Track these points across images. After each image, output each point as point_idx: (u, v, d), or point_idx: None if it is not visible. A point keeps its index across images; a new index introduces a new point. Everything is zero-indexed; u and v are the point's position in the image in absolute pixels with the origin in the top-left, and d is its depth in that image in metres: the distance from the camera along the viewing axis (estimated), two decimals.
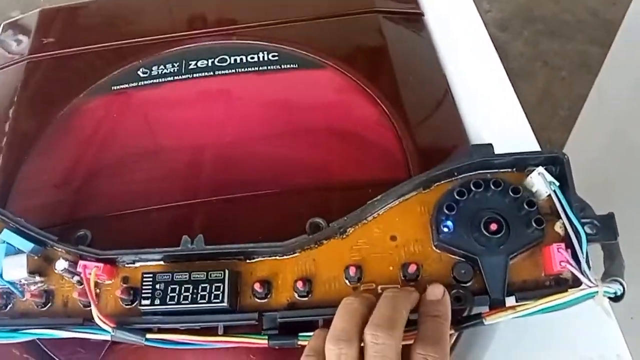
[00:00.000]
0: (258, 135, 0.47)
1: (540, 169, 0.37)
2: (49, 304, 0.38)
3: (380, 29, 0.53)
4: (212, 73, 0.52)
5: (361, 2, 0.56)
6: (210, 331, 0.36)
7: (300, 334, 0.35)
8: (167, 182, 0.44)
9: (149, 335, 0.35)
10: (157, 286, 0.35)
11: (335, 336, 0.32)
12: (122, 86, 0.52)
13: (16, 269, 0.37)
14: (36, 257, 0.38)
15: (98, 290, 0.38)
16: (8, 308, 0.38)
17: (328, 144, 0.46)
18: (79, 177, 0.46)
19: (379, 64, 0.51)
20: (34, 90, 0.53)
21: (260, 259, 0.38)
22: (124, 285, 0.37)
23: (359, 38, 0.54)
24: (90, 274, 0.36)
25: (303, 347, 0.35)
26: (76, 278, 0.38)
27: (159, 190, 0.44)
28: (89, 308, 0.37)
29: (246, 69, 0.52)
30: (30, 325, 0.36)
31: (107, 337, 0.35)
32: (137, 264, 0.38)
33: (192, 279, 0.35)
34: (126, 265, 0.38)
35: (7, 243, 0.38)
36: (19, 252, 0.38)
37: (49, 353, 0.39)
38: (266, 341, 0.35)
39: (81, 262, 0.37)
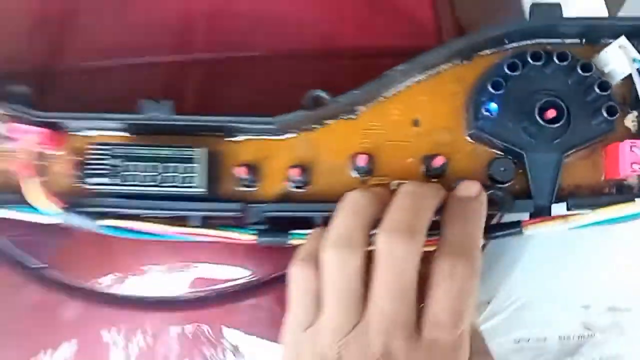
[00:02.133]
0: None
1: (622, 39, 0.28)
2: None
3: None
4: None
5: None
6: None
7: (293, 231, 0.29)
8: (142, 33, 0.35)
9: (103, 222, 0.28)
10: (109, 161, 0.27)
11: (336, 240, 0.25)
12: None
13: None
14: None
15: (43, 164, 0.30)
16: None
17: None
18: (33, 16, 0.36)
19: None
20: None
21: (246, 137, 0.30)
22: (75, 157, 0.29)
23: None
24: (26, 139, 0.28)
25: (295, 247, 0.28)
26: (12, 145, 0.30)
27: (130, 43, 0.34)
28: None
29: None
30: None
31: (57, 221, 0.28)
32: (92, 132, 0.30)
33: (159, 154, 0.27)
34: (77, 133, 0.30)
35: None
36: None
37: None
38: (254, 237, 0.29)
39: (15, 125, 0.29)
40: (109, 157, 0.27)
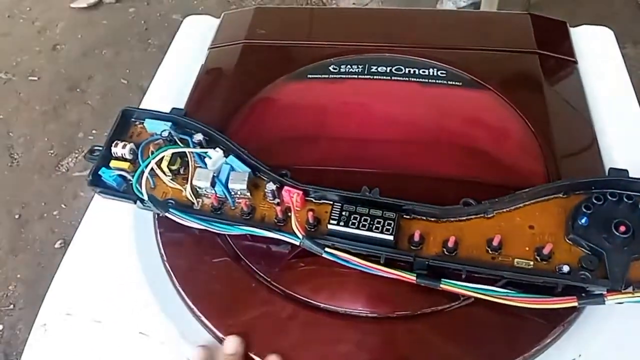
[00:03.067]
0: (424, 130, 0.57)
1: None
2: (250, 216, 0.49)
3: (538, 67, 0.62)
4: (388, 78, 0.63)
5: (524, 42, 0.65)
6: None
7: (444, 279, 0.44)
8: (350, 152, 0.55)
9: (327, 249, 0.45)
10: (343, 213, 0.46)
11: None
12: (316, 76, 0.64)
13: (239, 182, 0.49)
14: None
15: (289, 214, 0.49)
16: (220, 212, 0.50)
17: (484, 148, 0.55)
18: (282, 135, 0.58)
19: (533, 95, 0.60)
20: (247, 66, 0.67)
21: (417, 218, 0.47)
22: (311, 213, 0.48)
23: (518, 71, 0.63)
24: (293, 196, 0.47)
25: (444, 290, 0.44)
26: (276, 201, 0.49)
27: (342, 157, 0.55)
28: (280, 224, 0.48)
29: (417, 80, 0.62)
30: (241, 224, 0.47)
31: (297, 242, 0.46)
32: (321, 201, 0.49)
33: (370, 213, 0.45)
34: (313, 200, 0.49)
35: (230, 165, 0.50)
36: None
37: (241, 256, 0.50)
38: (415, 278, 0.44)
39: (286, 188, 0.48)
40: (344, 210, 0.46)
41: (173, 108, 0.55)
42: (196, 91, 0.65)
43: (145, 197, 0.48)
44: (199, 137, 0.52)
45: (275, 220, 0.48)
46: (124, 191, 0.51)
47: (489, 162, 0.54)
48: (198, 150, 0.51)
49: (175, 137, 0.53)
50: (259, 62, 0.68)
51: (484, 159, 0.54)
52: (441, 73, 0.62)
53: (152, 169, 0.49)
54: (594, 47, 0.66)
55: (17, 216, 1.58)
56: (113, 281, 0.51)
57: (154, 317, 0.48)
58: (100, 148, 0.53)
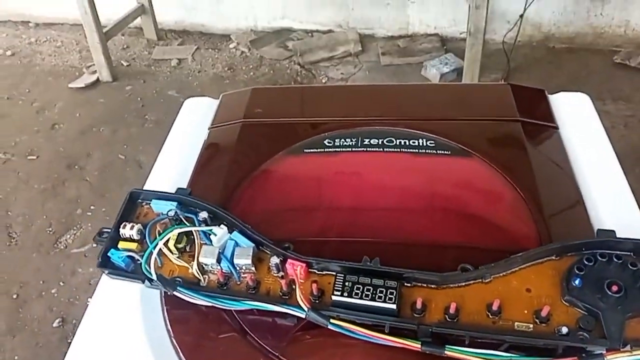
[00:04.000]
0: (418, 199, 0.60)
1: None
2: (256, 290, 0.51)
3: (522, 133, 0.66)
4: (381, 150, 0.66)
5: (506, 111, 0.70)
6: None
7: (448, 346, 0.45)
8: (349, 222, 0.58)
9: (332, 321, 0.46)
10: (346, 283, 0.47)
11: None
12: (311, 150, 0.68)
13: (243, 257, 0.51)
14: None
15: (294, 286, 0.50)
16: (226, 287, 0.51)
17: (476, 213, 0.57)
18: (283, 208, 0.61)
19: (519, 160, 0.63)
20: (246, 143, 0.71)
21: (418, 285, 0.49)
22: (315, 285, 0.49)
23: (502, 138, 0.67)
24: (297, 268, 0.49)
25: (449, 357, 0.45)
26: (280, 274, 0.51)
27: (341, 227, 0.57)
28: (285, 297, 0.50)
29: (408, 150, 0.65)
30: (248, 300, 0.49)
31: (302, 315, 0.47)
32: (324, 272, 0.51)
33: (372, 283, 0.47)
34: (317, 272, 0.51)
35: (235, 241, 0.53)
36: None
37: (248, 330, 0.51)
38: (419, 346, 0.45)
39: (290, 261, 0.50)
40: (346, 281, 0.47)
41: (178, 188, 0.57)
42: (199, 170, 0.68)
43: (154, 277, 0.49)
44: (203, 215, 0.54)
45: (280, 294, 0.50)
46: (132, 271, 0.53)
47: (482, 227, 0.56)
48: (203, 228, 0.53)
49: (181, 216, 0.55)
50: (257, 139, 0.71)
51: (478, 225, 0.57)
52: (430, 143, 0.66)
53: (159, 248, 0.51)
54: (573, 112, 0.70)
55: (14, 296, 1.57)
56: None
57: None
58: (109, 230, 0.55)
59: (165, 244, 0.53)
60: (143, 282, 0.51)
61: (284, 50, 2.51)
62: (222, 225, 0.53)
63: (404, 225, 0.57)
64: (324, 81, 2.37)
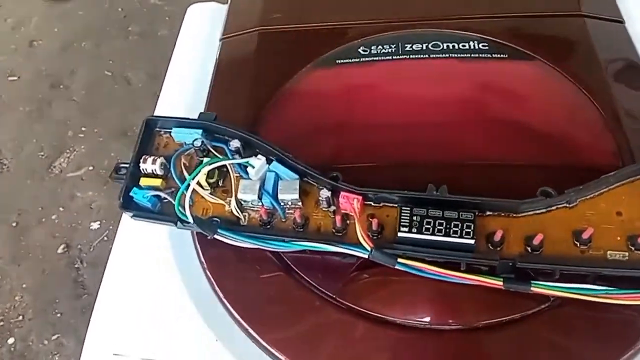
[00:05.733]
0: (479, 112, 0.52)
1: None
2: (304, 227, 0.44)
3: (588, 31, 0.57)
4: (426, 56, 0.57)
5: (567, 4, 0.60)
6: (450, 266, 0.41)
7: (534, 282, 0.40)
8: (402, 143, 0.50)
9: (400, 260, 0.41)
10: (414, 217, 0.41)
11: None
12: (345, 60, 0.59)
13: (290, 192, 0.44)
14: None
15: (348, 222, 0.44)
16: (270, 226, 0.45)
17: (547, 127, 0.50)
18: (322, 131, 0.53)
19: (587, 63, 0.55)
20: (267, 56, 0.61)
21: (492, 214, 0.43)
22: (376, 220, 0.43)
23: (566, 37, 0.58)
24: (353, 202, 0.42)
25: (535, 293, 0.40)
26: (332, 208, 0.44)
27: (393, 150, 0.50)
28: (339, 234, 0.43)
29: (458, 55, 0.57)
30: (298, 240, 0.43)
31: (364, 255, 0.41)
32: (381, 204, 0.44)
33: (444, 215, 0.41)
34: (372, 204, 0.44)
35: (275, 172, 0.45)
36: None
37: (298, 271, 0.45)
38: (501, 283, 0.40)
39: (343, 194, 0.43)
40: (414, 215, 0.41)
41: (201, 113, 0.49)
42: (216, 90, 0.59)
43: (191, 220, 0.42)
44: (235, 144, 0.47)
45: (334, 230, 0.44)
46: (161, 212, 0.46)
47: (556, 143, 0.49)
48: (240, 160, 0.45)
49: (208, 146, 0.47)
50: (279, 50, 0.62)
51: (550, 140, 0.50)
52: (483, 46, 0.57)
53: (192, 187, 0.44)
54: (633, 4, 0.61)
55: (14, 224, 1.52)
56: (160, 312, 0.46)
57: (212, 349, 0.44)
58: (127, 165, 0.47)
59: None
60: (175, 224, 0.44)
61: None
62: (259, 156, 0.46)
63: (467, 145, 0.50)
64: None
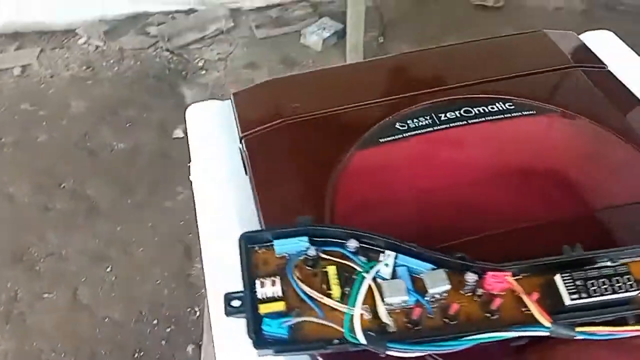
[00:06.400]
0: (543, 168, 0.54)
1: None
2: (457, 319, 0.41)
3: (587, 80, 0.64)
4: (465, 122, 0.59)
5: (560, 60, 0.66)
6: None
7: None
8: (494, 208, 0.50)
9: (578, 329, 0.39)
10: (577, 282, 0.40)
11: None
12: (388, 138, 0.58)
13: (439, 284, 0.41)
14: None
15: (492, 302, 0.42)
16: (419, 326, 0.41)
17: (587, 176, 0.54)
18: (403, 213, 0.51)
19: (604, 108, 0.61)
20: (305, 145, 0.58)
21: (631, 260, 0.44)
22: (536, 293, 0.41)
23: (573, 88, 0.64)
24: (504, 279, 0.41)
25: None
26: (479, 291, 0.42)
27: (488, 216, 0.50)
28: (494, 317, 0.41)
29: (493, 117, 0.59)
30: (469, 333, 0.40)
31: (546, 333, 0.39)
32: (521, 275, 0.43)
33: (602, 274, 0.41)
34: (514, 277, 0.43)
35: (406, 266, 0.42)
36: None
37: None
38: None
39: (491, 274, 0.41)
40: (575, 280, 0.40)
41: (299, 217, 0.45)
42: (262, 190, 0.54)
43: (364, 340, 0.37)
44: (353, 244, 0.43)
45: (488, 315, 0.41)
46: (294, 340, 0.40)
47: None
48: (387, 261, 0.42)
49: (319, 253, 0.43)
50: (315, 138, 0.59)
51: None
52: (509, 105, 0.60)
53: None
54: (608, 51, 0.69)
55: None
56: None
57: None
58: (240, 294, 0.41)
59: (327, 291, 0.41)
60: (321, 348, 0.39)
61: (146, 38, 2.25)
62: (386, 252, 0.43)
63: (552, 200, 0.51)
64: (200, 64, 2.18)
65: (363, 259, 0.43)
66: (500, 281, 0.41)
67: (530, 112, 0.60)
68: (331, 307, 0.41)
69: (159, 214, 1.65)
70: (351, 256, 0.43)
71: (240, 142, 0.60)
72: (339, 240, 0.44)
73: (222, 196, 0.57)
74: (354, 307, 0.39)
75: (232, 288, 0.42)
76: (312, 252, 0.42)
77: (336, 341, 0.39)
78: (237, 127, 0.62)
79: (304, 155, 0.57)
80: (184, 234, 1.59)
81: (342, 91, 0.65)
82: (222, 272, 0.48)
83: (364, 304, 0.41)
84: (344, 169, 0.55)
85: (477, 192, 0.53)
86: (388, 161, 0.56)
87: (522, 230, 0.49)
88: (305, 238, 0.43)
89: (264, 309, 0.41)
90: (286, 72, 2.12)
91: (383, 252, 0.43)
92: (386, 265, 0.41)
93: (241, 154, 0.59)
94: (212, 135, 0.63)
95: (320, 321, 0.39)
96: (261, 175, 0.56)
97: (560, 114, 0.60)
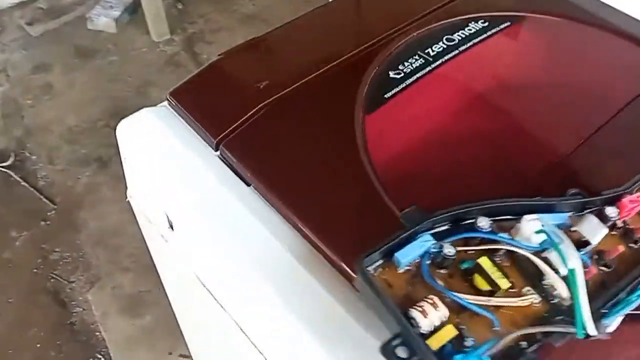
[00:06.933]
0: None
1: None
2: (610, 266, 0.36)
3: None
4: (456, 51, 0.52)
5: None
6: None
7: None
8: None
9: None
10: None
11: None
12: (393, 91, 0.49)
13: (597, 230, 0.35)
14: None
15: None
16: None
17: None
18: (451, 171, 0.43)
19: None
20: (304, 127, 0.47)
21: None
22: None
23: None
24: None
25: None
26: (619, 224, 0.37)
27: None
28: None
29: (479, 39, 0.53)
30: None
31: None
32: None
33: None
34: None
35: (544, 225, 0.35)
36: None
37: None
38: None
39: (628, 198, 0.36)
40: None
41: (402, 214, 0.35)
42: (288, 199, 0.42)
43: (594, 332, 0.30)
44: (485, 222, 0.35)
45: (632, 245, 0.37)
46: None
47: None
48: (536, 227, 0.34)
49: (444, 248, 0.34)
50: (306, 115, 0.48)
51: None
52: (482, 23, 0.55)
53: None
54: None
55: None
56: None
57: None
58: (397, 337, 0.30)
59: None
60: None
61: None
62: (525, 216, 0.35)
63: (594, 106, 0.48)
64: None
65: (505, 235, 0.34)
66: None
67: (506, 25, 0.55)
68: (501, 306, 0.32)
69: None
70: (491, 236, 0.34)
71: (217, 149, 0.46)
72: (464, 224, 0.35)
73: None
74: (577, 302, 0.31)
75: None
76: (448, 249, 0.33)
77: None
78: (203, 133, 0.47)
79: (308, 138, 0.46)
80: None
81: (306, 52, 0.53)
82: None
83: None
84: (366, 138, 0.45)
85: (521, 117, 0.48)
86: (409, 116, 0.48)
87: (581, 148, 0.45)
88: (428, 236, 0.33)
89: (435, 342, 0.30)
90: (86, 65, 1.81)
91: (515, 219, 0.35)
92: (540, 232, 0.34)
93: (226, 163, 0.45)
94: (158, 150, 0.46)
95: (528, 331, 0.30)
96: (271, 178, 0.43)
97: (548, 21, 0.56)
